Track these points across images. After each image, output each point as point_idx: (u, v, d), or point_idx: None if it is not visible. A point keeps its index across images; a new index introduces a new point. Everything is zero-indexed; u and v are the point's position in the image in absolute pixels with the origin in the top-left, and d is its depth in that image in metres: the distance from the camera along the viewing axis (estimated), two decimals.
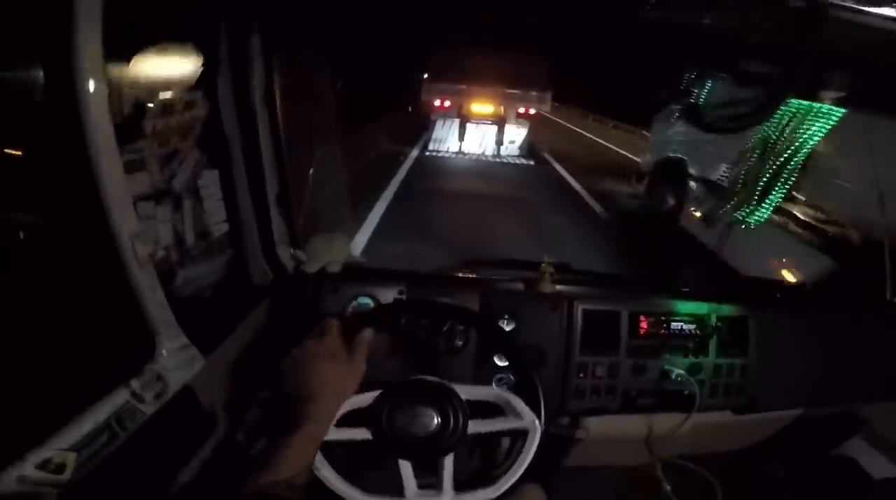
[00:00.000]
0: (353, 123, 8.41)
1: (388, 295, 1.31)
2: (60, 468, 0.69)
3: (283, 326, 1.30)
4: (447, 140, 11.40)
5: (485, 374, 1.32)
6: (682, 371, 1.41)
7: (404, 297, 1.32)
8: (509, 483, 0.90)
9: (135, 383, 0.83)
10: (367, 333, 0.96)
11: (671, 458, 1.74)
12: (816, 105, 1.27)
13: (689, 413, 1.42)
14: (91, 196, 0.76)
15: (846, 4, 0.75)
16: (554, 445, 1.60)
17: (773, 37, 0.83)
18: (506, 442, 1.00)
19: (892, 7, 0.79)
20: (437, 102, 11.14)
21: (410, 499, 0.88)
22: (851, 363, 1.68)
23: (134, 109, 0.91)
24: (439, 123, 11.32)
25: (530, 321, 1.37)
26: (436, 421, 0.89)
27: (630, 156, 11.31)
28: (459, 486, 0.90)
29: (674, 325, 1.43)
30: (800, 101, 1.28)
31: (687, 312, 1.45)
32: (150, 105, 0.95)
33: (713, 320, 1.46)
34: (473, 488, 0.90)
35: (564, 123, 20.33)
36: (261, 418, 1.01)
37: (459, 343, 1.27)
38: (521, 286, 1.49)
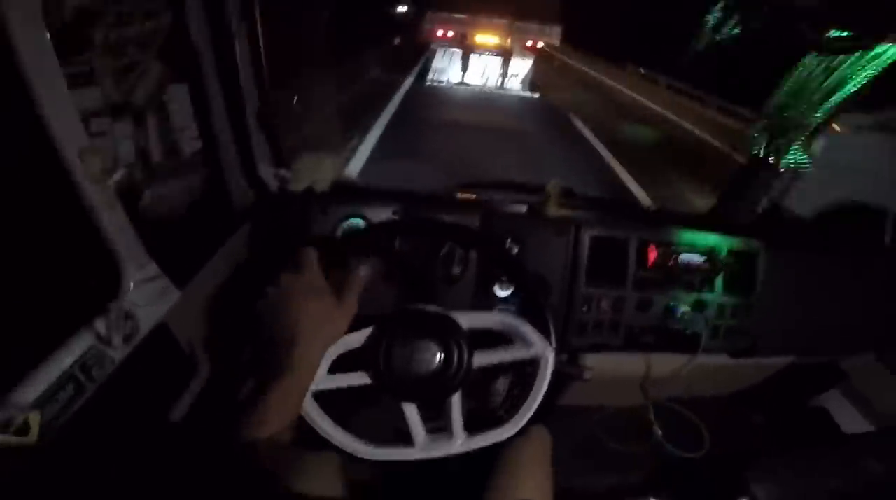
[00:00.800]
0: (345, 45, 8.08)
1: (382, 216, 1.20)
2: (24, 430, 0.60)
3: (266, 251, 1.20)
4: (448, 70, 11.02)
5: (484, 305, 1.24)
6: (686, 309, 1.35)
7: (399, 217, 1.21)
8: (524, 420, 0.82)
9: (99, 324, 0.72)
10: (362, 269, 0.83)
11: (664, 401, 1.74)
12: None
13: (694, 354, 1.37)
14: (29, 112, 0.63)
15: None
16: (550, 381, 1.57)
17: None
18: (511, 375, 0.92)
19: None
20: (441, 32, 10.97)
21: (420, 447, 0.80)
22: (845, 310, 1.64)
23: (77, 18, 0.77)
24: (440, 53, 11.00)
25: (535, 247, 1.28)
26: (438, 357, 0.78)
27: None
28: (469, 427, 0.81)
29: (682, 257, 1.35)
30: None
31: (697, 242, 1.37)
32: (101, 14, 0.81)
33: (723, 252, 1.38)
34: (485, 428, 0.82)
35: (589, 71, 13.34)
36: (247, 361, 0.93)
37: (457, 270, 1.19)
38: (524, 209, 1.39)
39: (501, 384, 1.18)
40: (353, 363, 0.78)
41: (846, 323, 1.65)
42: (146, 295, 0.81)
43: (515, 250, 1.25)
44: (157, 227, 0.95)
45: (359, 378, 0.78)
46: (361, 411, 0.87)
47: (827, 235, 1.92)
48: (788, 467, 1.27)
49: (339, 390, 0.78)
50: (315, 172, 1.25)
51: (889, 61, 1.19)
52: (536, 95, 10.89)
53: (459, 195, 1.53)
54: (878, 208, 1.93)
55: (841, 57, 1.20)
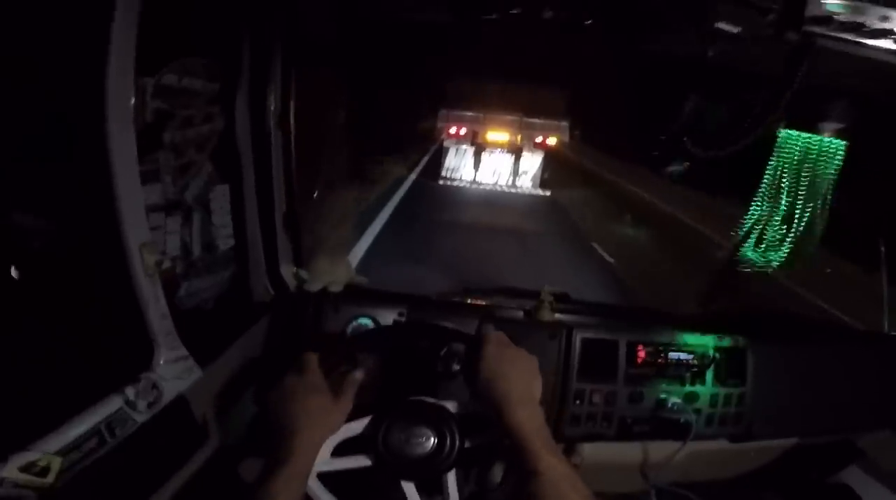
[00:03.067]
0: (362, 148, 8.52)
1: (389, 316, 1.31)
2: (44, 472, 0.68)
3: (282, 342, 1.29)
4: (460, 169, 11.20)
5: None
6: (678, 400, 1.41)
7: (404, 319, 1.31)
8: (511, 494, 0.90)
9: (129, 391, 0.82)
10: (357, 374, 0.96)
11: (666, 485, 1.73)
12: (822, 139, 1.29)
13: (685, 441, 1.41)
14: (105, 203, 0.77)
15: (841, 37, 0.78)
16: None
17: (771, 68, 0.85)
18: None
19: (888, 40, 0.81)
20: (454, 129, 11.00)
21: None
22: (847, 394, 1.68)
23: (156, 120, 0.93)
24: (452, 151, 11.14)
25: (529, 348, 1.35)
26: (432, 441, 0.89)
27: None
28: (467, 499, 0.90)
29: (671, 355, 1.44)
30: (805, 134, 1.30)
31: (685, 342, 1.46)
32: (172, 116, 0.97)
33: (711, 350, 1.46)
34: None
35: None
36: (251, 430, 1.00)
37: (456, 367, 1.26)
38: (520, 314, 1.49)
39: (499, 467, 1.23)
40: (355, 448, 0.90)
41: (853, 402, 1.69)
42: (172, 371, 0.92)
43: None
44: (188, 313, 1.07)
45: (360, 461, 0.89)
46: (365, 491, 0.92)
47: (818, 322, 1.97)
48: None
49: (344, 472, 0.88)
50: (330, 274, 1.38)
51: (838, 155, 1.32)
52: (548, 193, 11.03)
53: (461, 299, 1.64)
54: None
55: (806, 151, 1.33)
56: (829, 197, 1.39)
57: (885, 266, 1.91)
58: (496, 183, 11.24)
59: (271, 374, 0.92)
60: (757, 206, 1.42)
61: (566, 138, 11.85)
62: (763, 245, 1.46)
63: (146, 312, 0.86)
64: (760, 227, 1.44)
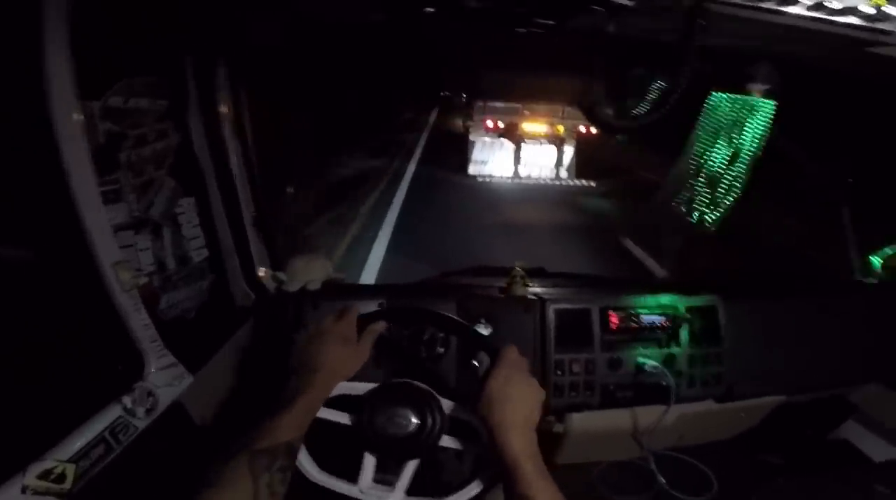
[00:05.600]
0: (336, 147, 8.44)
1: (369, 308, 1.37)
2: (61, 479, 0.77)
3: (266, 343, 1.38)
4: (491, 162, 10.73)
5: (465, 379, 1.38)
6: (656, 363, 1.48)
7: (385, 308, 1.38)
8: None
9: (127, 400, 0.92)
10: (379, 325, 1.10)
11: (663, 450, 1.80)
12: (750, 99, 1.36)
13: (668, 405, 1.49)
14: (73, 228, 0.85)
15: (737, 1, 0.84)
16: (541, 443, 1.64)
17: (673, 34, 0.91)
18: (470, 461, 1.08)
19: (798, 6, 0.88)
20: (490, 122, 10.49)
21: (361, 488, 0.97)
22: (830, 348, 1.76)
23: (109, 141, 0.99)
24: (479, 144, 10.68)
25: (506, 324, 1.45)
26: (412, 426, 0.97)
27: None
28: (412, 491, 0.98)
29: (644, 318, 1.51)
30: (732, 95, 1.37)
31: (656, 304, 1.54)
32: (124, 136, 1.03)
33: (682, 310, 1.54)
34: (424, 495, 0.98)
35: None
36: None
37: (441, 350, 1.35)
38: (496, 292, 1.58)
39: (460, 468, 1.30)
40: (344, 405, 1.00)
41: (835, 356, 1.77)
42: (164, 378, 1.01)
43: (488, 331, 1.42)
44: (172, 324, 1.16)
45: (343, 418, 1.00)
46: (334, 445, 1.00)
47: (789, 277, 2.06)
48: (795, 494, 1.34)
49: (322, 420, 0.98)
50: (307, 274, 1.46)
51: (767, 114, 1.40)
52: (592, 183, 10.48)
53: (438, 284, 1.73)
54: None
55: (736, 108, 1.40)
56: (757, 153, 1.46)
57: (849, 216, 1.99)
58: (539, 176, 10.71)
59: (258, 373, 1.02)
60: (691, 165, 1.49)
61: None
62: (699, 204, 1.53)
63: (130, 325, 0.95)
64: (694, 185, 1.51)
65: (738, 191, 1.51)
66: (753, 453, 2.06)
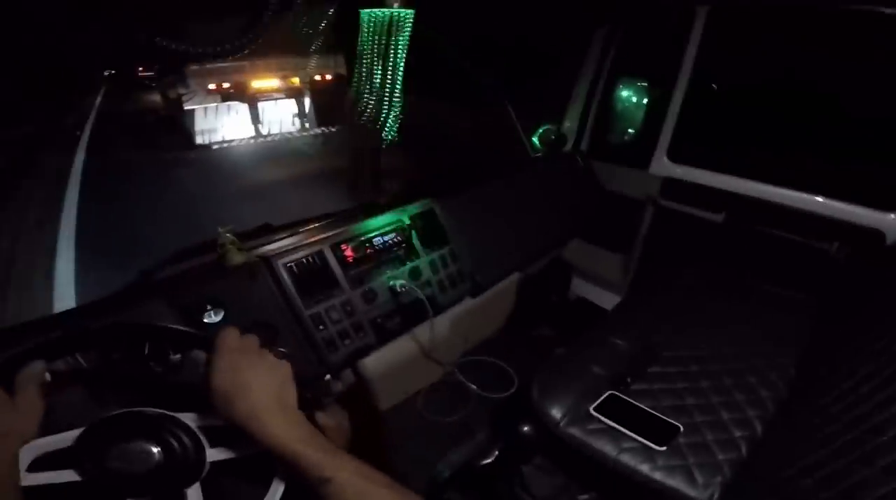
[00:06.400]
0: None
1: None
2: None
3: None
4: (223, 128, 9.83)
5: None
6: (403, 281, 1.51)
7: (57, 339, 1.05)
8: None
9: None
10: (32, 367, 0.83)
11: (460, 360, 1.94)
12: (392, 11, 1.42)
13: (433, 315, 1.55)
14: None
15: None
16: (352, 399, 1.61)
17: None
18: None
19: None
20: (213, 85, 9.65)
21: None
22: (529, 218, 2.04)
23: None
24: (201, 112, 9.66)
25: (239, 300, 1.27)
26: (156, 454, 0.80)
27: None
28: None
29: (376, 240, 1.51)
30: (377, 10, 1.42)
31: (382, 224, 1.55)
32: None
33: (406, 221, 1.59)
34: None
35: None
36: None
37: (176, 357, 1.04)
38: (213, 269, 1.34)
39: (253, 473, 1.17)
40: (60, 462, 0.79)
41: (539, 225, 2.06)
42: None
43: (219, 317, 1.23)
44: None
45: (68, 475, 0.79)
46: None
47: (481, 166, 2.33)
48: (564, 373, 1.45)
49: (45, 487, 0.78)
50: None
51: (408, 22, 1.49)
52: (334, 129, 10.17)
53: (142, 285, 1.37)
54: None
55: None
56: (404, 59, 1.55)
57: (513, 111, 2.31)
58: (281, 131, 10.25)
59: None
60: (355, 82, 1.52)
61: (344, 71, 10.75)
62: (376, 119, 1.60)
63: None
64: (367, 102, 1.56)
65: (400, 98, 1.61)
66: (525, 331, 2.33)
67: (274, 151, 9.39)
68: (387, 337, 1.52)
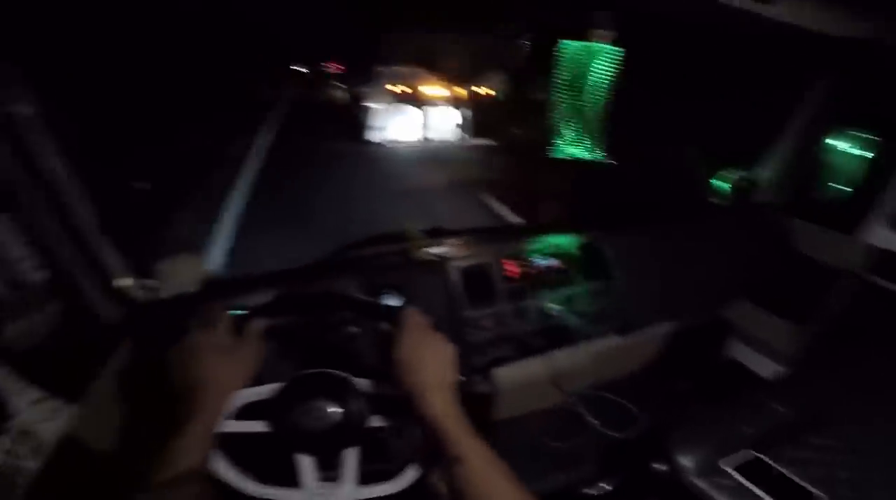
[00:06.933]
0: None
1: (263, 299, 1.21)
2: None
3: (147, 362, 1.23)
4: (390, 128, 10.56)
5: (382, 354, 1.32)
6: (558, 306, 1.55)
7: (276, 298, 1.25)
8: (411, 478, 0.94)
9: (4, 441, 0.82)
10: (257, 323, 0.99)
11: (585, 391, 1.87)
12: (593, 45, 1.41)
13: (577, 344, 1.57)
14: None
15: None
16: (474, 403, 1.65)
17: None
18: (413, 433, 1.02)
19: None
20: (391, 87, 10.63)
21: (307, 492, 0.90)
22: (699, 270, 1.90)
23: None
24: (376, 110, 10.51)
25: (414, 290, 1.41)
26: (335, 415, 0.90)
27: None
28: (362, 479, 0.92)
29: (539, 263, 1.56)
30: (578, 42, 1.41)
31: (548, 248, 1.59)
32: None
33: (573, 250, 1.61)
34: (376, 481, 0.93)
35: None
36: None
37: (353, 330, 1.23)
38: (397, 259, 1.54)
39: (401, 444, 1.26)
40: (256, 412, 0.90)
41: (709, 279, 1.92)
42: (39, 413, 0.90)
43: (399, 302, 1.36)
44: (28, 356, 1.01)
45: (260, 426, 0.90)
46: (260, 454, 0.93)
47: (655, 204, 2.20)
48: (703, 423, 1.40)
49: (239, 434, 0.90)
50: (181, 276, 1.33)
51: (614, 57, 1.46)
52: (493, 142, 10.60)
53: (333, 261, 1.63)
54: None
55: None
56: (607, 95, 1.53)
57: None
58: (443, 138, 10.80)
59: (144, 396, 0.97)
60: (557, 109, 1.54)
61: (507, 88, 11.58)
62: (566, 141, 1.60)
63: None
64: (560, 124, 1.57)
65: (597, 131, 1.59)
66: (662, 381, 2.17)
67: (434, 155, 9.85)
68: (526, 353, 1.57)
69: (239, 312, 1.20)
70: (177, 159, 6.28)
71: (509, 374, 1.62)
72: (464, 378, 1.57)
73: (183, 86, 8.88)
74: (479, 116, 11.02)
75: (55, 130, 1.11)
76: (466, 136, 10.96)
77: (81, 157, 1.19)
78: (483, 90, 11.12)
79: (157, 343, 1.22)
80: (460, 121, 10.91)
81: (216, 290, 1.35)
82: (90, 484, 1.01)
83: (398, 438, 1.22)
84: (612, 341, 1.76)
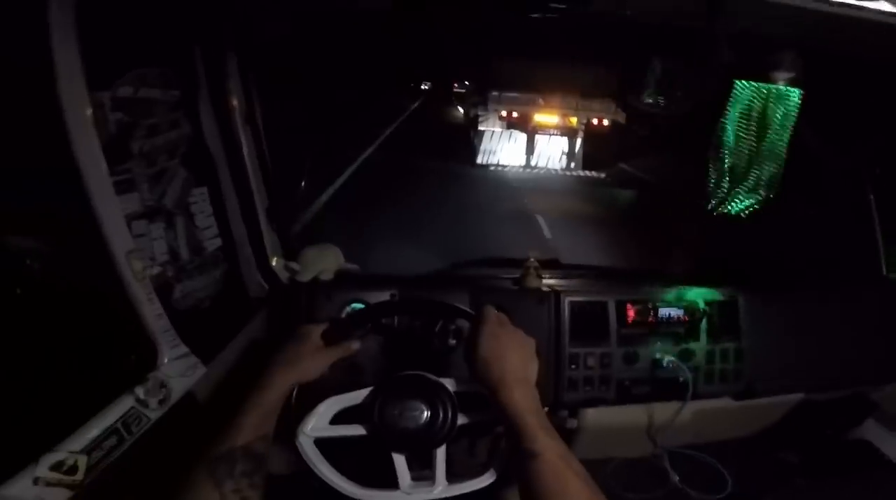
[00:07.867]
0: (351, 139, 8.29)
1: (381, 299, 1.38)
2: (73, 470, 0.78)
3: (279, 334, 1.38)
4: (499, 152, 10.74)
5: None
6: (673, 358, 1.46)
7: (397, 299, 1.39)
8: (499, 471, 0.97)
9: (139, 390, 0.92)
10: (350, 345, 1.08)
11: (677, 447, 1.78)
12: (773, 87, 1.33)
13: (684, 401, 1.48)
14: (86, 219, 0.85)
15: None
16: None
17: (696, 19, 0.88)
18: (492, 432, 1.06)
19: None
20: (505, 113, 10.66)
21: (404, 490, 0.96)
22: (851, 344, 1.71)
23: (120, 131, 0.99)
24: (488, 135, 10.78)
25: (519, 316, 1.39)
26: (426, 415, 0.96)
27: None
28: (453, 476, 0.97)
29: (661, 312, 1.50)
30: (756, 83, 1.34)
31: (674, 298, 1.52)
32: (136, 126, 1.03)
33: (701, 304, 1.52)
34: (466, 477, 0.97)
35: None
36: None
37: (452, 341, 1.34)
38: (509, 283, 1.57)
39: (485, 440, 1.31)
40: (351, 417, 0.99)
41: (859, 353, 1.72)
42: (177, 369, 1.01)
43: None
44: (185, 314, 1.17)
45: (355, 430, 0.98)
46: (358, 458, 1.00)
47: (811, 271, 2.02)
48: (806, 488, 1.31)
49: (337, 439, 0.98)
50: (319, 264, 1.47)
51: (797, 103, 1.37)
52: (602, 175, 10.34)
53: (450, 274, 1.73)
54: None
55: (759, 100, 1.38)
56: (785, 143, 1.43)
57: (875, 208, 1.94)
58: (550, 166, 10.66)
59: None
60: (722, 154, 1.46)
61: (622, 119, 10.96)
62: (733, 192, 1.51)
63: (143, 315, 0.95)
64: (727, 174, 1.49)
65: (771, 183, 1.48)
66: (770, 451, 2.03)
67: (539, 183, 9.77)
68: (625, 400, 1.51)
69: (358, 305, 1.35)
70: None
71: (599, 416, 1.57)
72: (546, 408, 1.55)
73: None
74: (589, 147, 10.73)
75: (262, 122, 1.29)
76: (573, 165, 10.73)
77: (264, 150, 1.36)
78: (600, 119, 10.76)
79: (287, 321, 1.39)
80: (566, 149, 10.70)
81: (345, 282, 1.47)
82: (196, 444, 1.13)
83: (485, 435, 1.27)
84: (723, 403, 1.65)
